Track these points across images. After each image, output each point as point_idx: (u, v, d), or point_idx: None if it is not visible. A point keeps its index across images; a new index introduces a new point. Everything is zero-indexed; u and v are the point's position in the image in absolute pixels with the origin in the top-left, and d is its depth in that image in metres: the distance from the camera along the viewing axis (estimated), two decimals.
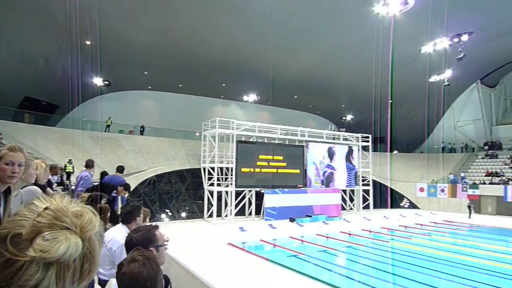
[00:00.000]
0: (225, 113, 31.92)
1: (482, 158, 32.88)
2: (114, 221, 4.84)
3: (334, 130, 32.34)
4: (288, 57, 26.29)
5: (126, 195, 7.67)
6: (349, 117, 39.94)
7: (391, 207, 30.64)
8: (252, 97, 34.16)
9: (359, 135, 28.98)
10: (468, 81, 34.52)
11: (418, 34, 23.41)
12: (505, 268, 11.75)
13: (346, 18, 20.77)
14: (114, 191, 7.15)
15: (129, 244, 2.57)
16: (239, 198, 22.51)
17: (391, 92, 28.08)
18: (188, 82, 31.10)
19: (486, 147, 33.93)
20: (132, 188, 20.33)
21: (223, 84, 31.72)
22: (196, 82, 31.12)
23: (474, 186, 28.41)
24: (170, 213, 23.51)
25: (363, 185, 28.42)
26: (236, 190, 21.85)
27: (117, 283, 1.88)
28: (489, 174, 29.54)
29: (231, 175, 22.18)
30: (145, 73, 28.51)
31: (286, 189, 23.58)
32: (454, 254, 14.06)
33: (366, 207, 28.27)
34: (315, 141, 26.15)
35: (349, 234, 18.30)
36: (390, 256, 13.72)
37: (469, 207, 26.10)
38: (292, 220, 21.85)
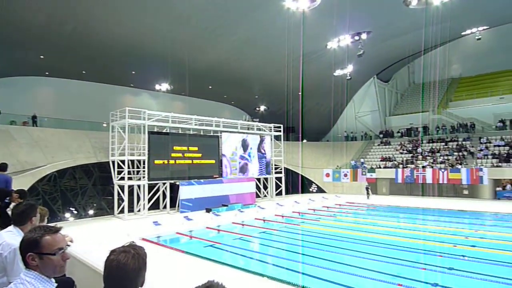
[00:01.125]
0: (135, 103, 30.23)
1: (378, 145, 36.84)
2: (6, 223, 4.23)
3: (248, 121, 33.05)
4: (202, 47, 25.87)
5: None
6: (262, 108, 41.13)
7: (302, 193, 32.67)
8: (165, 86, 32.91)
9: (272, 125, 30.07)
10: (367, 76, 38.19)
11: (325, 30, 25.01)
12: (398, 241, 13.40)
13: (259, 11, 21.16)
14: (7, 198, 6.25)
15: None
16: (152, 192, 21.67)
17: (302, 84, 29.58)
18: (93, 69, 28.59)
19: (381, 135, 38.09)
20: (27, 187, 18.15)
21: (133, 72, 29.93)
22: (101, 69, 28.78)
23: (372, 170, 31.74)
24: (75, 212, 21.57)
25: (275, 173, 29.67)
26: (149, 184, 20.98)
27: (104, 267, 2.00)
28: (383, 159, 33.25)
29: (143, 168, 21.21)
30: (41, 57, 25.38)
31: (202, 180, 23.43)
32: (356, 231, 15.55)
33: (279, 193, 29.64)
34: (230, 131, 26.41)
35: (264, 220, 18.98)
36: (301, 238, 14.60)
37: (367, 189, 29.13)
38: (208, 210, 21.83)
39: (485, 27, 31.68)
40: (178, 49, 25.03)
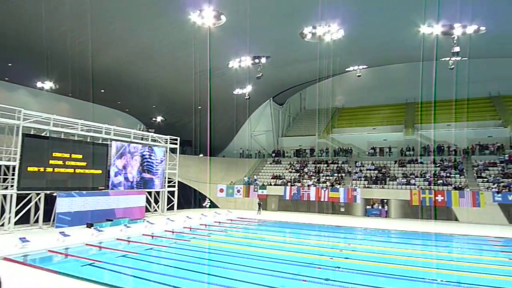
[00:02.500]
0: (10, 100, 26.16)
1: (270, 163, 38.82)
2: None
3: (143, 130, 31.51)
4: (97, 47, 23.84)
5: None
6: (159, 118, 39.78)
7: (195, 208, 32.23)
8: (48, 84, 29.31)
9: (168, 137, 29.23)
10: (264, 98, 40.27)
11: (228, 49, 25.64)
12: (283, 255, 14.10)
13: (163, 19, 20.59)
14: None
15: None
16: (22, 203, 18.80)
17: (210, 99, 29.70)
18: None
19: (273, 154, 40.28)
20: None
21: (9, 64, 25.98)
22: None
23: (263, 187, 33.17)
24: None
25: (168, 186, 28.74)
26: (18, 194, 18.18)
27: None
28: (274, 177, 35.10)
29: (12, 175, 18.33)
30: None
31: (84, 192, 21.28)
32: (246, 246, 15.90)
33: (171, 208, 28.71)
34: (121, 140, 24.78)
35: (152, 236, 18.08)
36: (191, 254, 14.28)
37: (258, 204, 30.31)
38: (90, 225, 19.85)
39: (365, 66, 36.53)
40: (67, 45, 22.53)
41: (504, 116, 35.42)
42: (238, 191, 33.73)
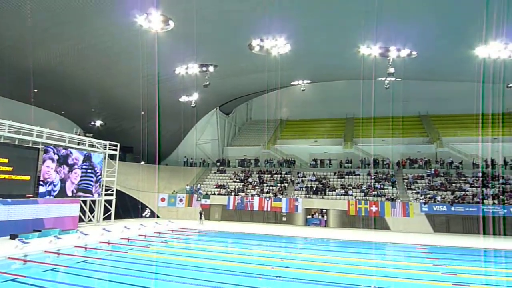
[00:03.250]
0: None
1: (215, 172, 38.52)
2: None
3: (80, 134, 29.63)
4: (32, 43, 22.04)
5: None
6: (99, 123, 37.67)
7: (134, 218, 30.82)
8: None
9: (108, 142, 27.80)
10: (210, 106, 40.06)
11: (175, 55, 25.15)
12: (225, 265, 13.96)
13: (106, 21, 19.65)
14: None
15: None
16: None
17: (158, 105, 28.84)
18: None
19: (218, 164, 40.05)
20: None
21: None
22: None
23: (206, 196, 32.75)
24: None
25: (106, 195, 27.22)
26: None
27: None
28: (218, 187, 34.85)
29: None
30: None
31: (9, 200, 19.36)
32: (187, 257, 15.49)
33: (108, 218, 27.15)
34: (55, 144, 23.06)
35: (85, 248, 16.94)
36: (128, 266, 13.58)
37: (200, 214, 29.82)
38: (13, 237, 18.06)
39: (309, 81, 37.99)
40: None
41: (431, 134, 38.83)
42: (181, 200, 32.95)
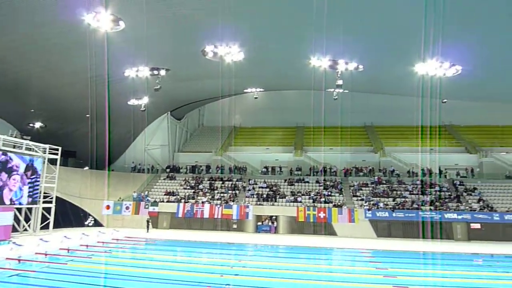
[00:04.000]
0: None
1: (164, 179, 37.45)
2: None
3: (16, 137, 27.36)
4: None
5: None
6: (38, 125, 35.08)
7: (75, 227, 28.96)
8: None
9: (47, 146, 25.99)
10: (161, 111, 39.11)
11: (125, 56, 24.24)
12: (173, 275, 13.54)
13: (49, 17, 18.42)
14: None
15: None
16: None
17: (109, 107, 27.49)
18: None
19: (168, 170, 39.02)
20: None
21: None
22: None
23: (155, 203, 31.70)
24: None
25: (44, 202, 25.36)
26: None
27: None
28: (167, 194, 33.90)
29: None
30: None
31: None
32: (132, 267, 14.83)
33: (46, 227, 25.28)
34: None
35: (19, 260, 15.59)
36: (67, 279, 12.68)
37: (148, 222, 28.79)
38: None
39: (261, 90, 38.55)
40: None
41: (375, 144, 41.04)
42: (127, 208, 31.56)
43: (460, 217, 28.09)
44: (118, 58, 23.84)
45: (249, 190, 34.10)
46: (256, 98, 37.98)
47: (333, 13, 16.48)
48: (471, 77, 25.37)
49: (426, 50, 20.61)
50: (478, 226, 27.76)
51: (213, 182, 35.95)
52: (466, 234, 28.04)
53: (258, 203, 31.67)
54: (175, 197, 33.19)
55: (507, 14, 16.03)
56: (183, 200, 32.37)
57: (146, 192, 34.07)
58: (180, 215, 31.00)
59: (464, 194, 31.49)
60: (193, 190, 34.56)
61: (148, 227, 28.46)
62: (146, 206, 31.38)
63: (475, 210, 28.70)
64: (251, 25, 19.99)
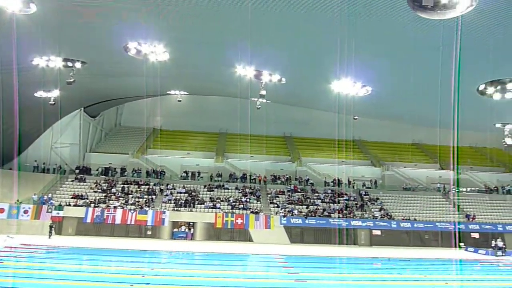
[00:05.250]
0: None
1: (72, 181, 34.35)
2: None
3: None
4: None
5: None
6: None
7: None
8: None
9: None
10: (74, 106, 35.92)
11: (35, 43, 21.78)
12: (74, 285, 12.38)
13: None
14: None
15: None
16: None
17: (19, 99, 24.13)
18: None
19: (77, 171, 35.89)
20: None
21: None
22: None
23: (59, 207, 28.86)
24: None
25: None
26: None
27: None
28: (75, 197, 31.13)
29: None
30: None
31: None
32: (28, 279, 13.22)
33: None
34: None
35: None
36: None
37: (50, 227, 26.07)
38: None
39: (186, 93, 37.82)
40: None
41: (293, 153, 43.05)
42: (26, 211, 28.20)
43: (364, 224, 30.77)
44: (26, 44, 21.34)
45: (166, 195, 33.03)
46: (179, 101, 37.16)
47: (258, 25, 16.94)
48: (379, 98, 28.10)
49: (341, 70, 22.33)
50: (378, 232, 30.68)
51: (127, 185, 34.06)
52: (369, 239, 30.83)
53: (176, 208, 30.84)
54: (83, 200, 30.64)
55: (411, 47, 18.16)
56: (92, 204, 30.05)
57: (50, 194, 30.87)
58: (88, 220, 28.69)
59: (368, 203, 34.62)
60: (104, 194, 32.30)
61: (50, 233, 25.74)
62: (49, 210, 28.43)
63: (377, 218, 31.70)
64: (177, 26, 19.48)
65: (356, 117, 36.93)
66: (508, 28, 14.86)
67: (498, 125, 29.29)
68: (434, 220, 32.37)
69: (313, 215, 31.24)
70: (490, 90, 21.33)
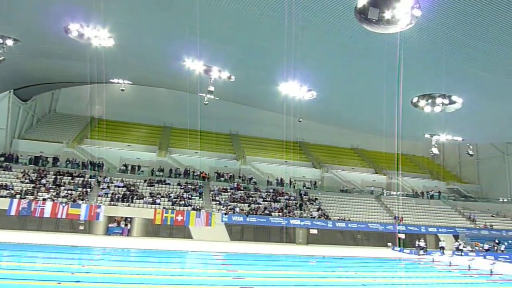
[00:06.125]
0: None
1: None
2: None
3: None
4: None
5: None
6: None
7: None
8: None
9: None
10: (2, 87, 32.66)
11: None
12: None
13: None
14: None
15: None
16: None
17: None
18: None
19: (2, 159, 32.74)
20: None
21: None
22: None
23: None
24: None
25: None
26: None
27: None
28: None
29: None
30: None
31: None
32: None
33: None
34: None
35: None
36: None
37: None
38: None
39: (130, 82, 36.18)
40: None
41: (238, 151, 43.19)
42: None
43: (302, 223, 31.82)
44: None
45: (103, 188, 31.37)
46: (123, 90, 35.38)
47: (207, 19, 16.77)
48: (323, 103, 29.24)
49: (289, 73, 22.88)
50: (315, 231, 31.91)
51: (60, 177, 31.78)
52: (306, 238, 31.97)
53: (112, 203, 29.40)
54: (8, 191, 28.03)
55: (355, 58, 19.13)
56: (18, 196, 27.58)
57: None
58: (12, 213, 26.31)
59: (307, 203, 35.85)
60: (33, 185, 29.82)
61: None
62: None
63: (314, 217, 32.94)
64: (123, 11, 18.55)
65: (300, 119, 38.04)
66: (440, 47, 16.28)
67: (427, 136, 31.99)
68: (366, 221, 34.44)
69: (255, 213, 31.62)
70: (422, 103, 23.22)
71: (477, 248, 32.46)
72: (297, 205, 34.92)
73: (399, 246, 31.59)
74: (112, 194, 30.64)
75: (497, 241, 33.88)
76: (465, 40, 15.16)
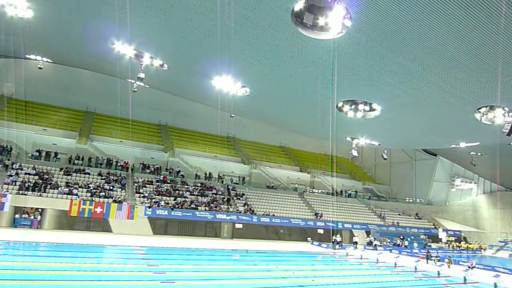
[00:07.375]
0: None
1: None
2: None
3: None
4: None
5: None
6: None
7: None
8: None
9: None
10: None
11: None
12: None
13: None
14: None
15: None
16: None
17: None
18: None
19: None
20: None
21: None
22: None
23: None
24: None
25: None
26: None
27: None
28: None
29: None
30: None
31: None
32: None
33: None
34: None
35: None
36: None
37: None
38: None
39: (49, 60, 32.94)
40: None
41: (167, 143, 41.89)
42: None
43: (228, 218, 32.07)
44: None
45: (10, 175, 28.18)
46: (40, 68, 32.09)
47: (138, 2, 16.05)
48: (255, 100, 29.76)
49: (223, 68, 22.85)
50: (240, 226, 32.41)
51: None
52: (231, 232, 32.31)
53: (21, 192, 26.57)
54: None
55: (287, 60, 19.74)
56: None
57: None
58: None
59: (235, 198, 36.23)
60: None
61: None
62: None
63: (240, 212, 33.42)
64: None
65: (232, 115, 38.22)
66: (365, 58, 17.58)
67: (348, 139, 34.37)
68: (290, 216, 35.92)
69: (180, 207, 31.02)
70: (346, 108, 24.88)
71: (385, 243, 35.88)
72: (224, 200, 35.09)
73: (316, 240, 33.61)
74: (22, 182, 27.65)
75: (401, 237, 37.81)
76: (385, 53, 16.60)
